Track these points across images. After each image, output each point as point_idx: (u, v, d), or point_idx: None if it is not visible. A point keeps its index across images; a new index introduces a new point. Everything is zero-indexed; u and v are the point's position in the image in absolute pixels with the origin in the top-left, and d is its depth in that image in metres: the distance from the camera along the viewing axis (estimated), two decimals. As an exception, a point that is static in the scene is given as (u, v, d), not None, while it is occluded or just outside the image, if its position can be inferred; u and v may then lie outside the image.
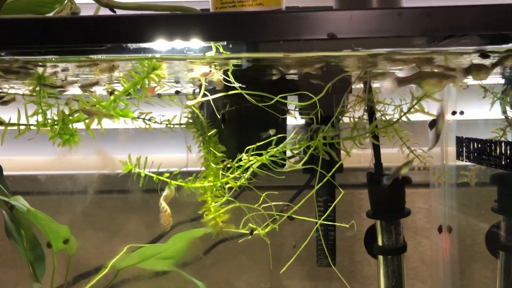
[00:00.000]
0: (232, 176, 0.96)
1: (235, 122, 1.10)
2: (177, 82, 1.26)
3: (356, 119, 0.97)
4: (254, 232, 0.98)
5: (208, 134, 1.03)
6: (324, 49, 0.86)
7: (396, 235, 1.27)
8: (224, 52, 0.82)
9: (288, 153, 1.03)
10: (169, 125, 1.18)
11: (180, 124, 1.20)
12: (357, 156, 1.43)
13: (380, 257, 1.29)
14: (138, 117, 1.15)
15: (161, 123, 1.18)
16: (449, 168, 1.38)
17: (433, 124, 0.93)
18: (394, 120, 1.05)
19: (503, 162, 0.98)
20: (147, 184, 1.01)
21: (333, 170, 0.98)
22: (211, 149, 1.01)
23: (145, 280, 1.45)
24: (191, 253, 1.42)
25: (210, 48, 0.83)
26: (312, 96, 0.98)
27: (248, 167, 0.97)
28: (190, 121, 1.17)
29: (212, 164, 1.00)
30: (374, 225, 1.31)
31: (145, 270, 1.32)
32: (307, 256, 1.59)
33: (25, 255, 1.16)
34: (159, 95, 1.18)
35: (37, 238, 1.21)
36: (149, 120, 1.17)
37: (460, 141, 1.21)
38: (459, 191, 1.41)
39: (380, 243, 1.28)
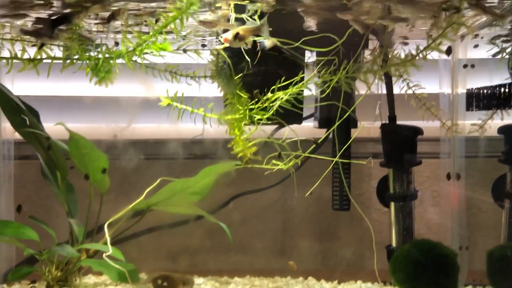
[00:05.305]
0: (258, 106, 1.03)
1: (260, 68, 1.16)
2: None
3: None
4: (278, 167, 1.05)
5: (235, 78, 1.10)
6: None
7: (408, 183, 1.34)
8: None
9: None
10: (194, 77, 1.26)
11: (205, 77, 1.28)
12: (367, 129, 1.49)
13: (392, 204, 1.36)
14: (166, 70, 1.24)
15: (187, 75, 1.25)
16: (458, 140, 1.41)
17: (449, 51, 1.02)
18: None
19: (511, 103, 1.04)
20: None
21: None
22: (237, 91, 1.08)
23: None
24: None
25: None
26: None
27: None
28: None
29: (238, 105, 1.06)
30: (386, 176, 1.38)
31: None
32: (317, 221, 1.66)
33: (61, 195, 1.22)
34: (185, 50, 1.26)
35: (71, 183, 1.27)
36: (175, 73, 1.25)
37: (470, 93, 1.26)
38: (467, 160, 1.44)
39: (391, 190, 1.35)
